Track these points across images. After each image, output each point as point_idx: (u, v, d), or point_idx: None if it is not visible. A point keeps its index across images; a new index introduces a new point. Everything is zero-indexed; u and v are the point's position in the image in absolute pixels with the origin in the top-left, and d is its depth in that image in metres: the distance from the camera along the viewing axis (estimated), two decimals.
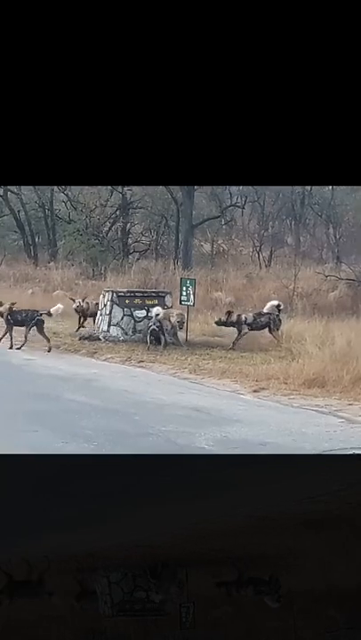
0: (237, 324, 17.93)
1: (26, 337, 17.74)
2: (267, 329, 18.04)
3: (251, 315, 18.27)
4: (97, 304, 19.93)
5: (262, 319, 18.04)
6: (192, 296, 18.96)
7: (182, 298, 19.14)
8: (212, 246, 37.44)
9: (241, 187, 40.24)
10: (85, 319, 20.28)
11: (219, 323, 18.21)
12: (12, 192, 36.39)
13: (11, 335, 17.73)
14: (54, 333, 19.56)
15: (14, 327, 17.82)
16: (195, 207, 36.02)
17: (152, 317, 18.01)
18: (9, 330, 17.84)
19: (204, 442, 9.85)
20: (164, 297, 19.47)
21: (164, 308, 18.57)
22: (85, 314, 20.22)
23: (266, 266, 35.58)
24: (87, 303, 20.32)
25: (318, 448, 9.69)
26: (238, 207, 41.93)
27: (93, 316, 20.00)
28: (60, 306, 18.36)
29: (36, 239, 38.30)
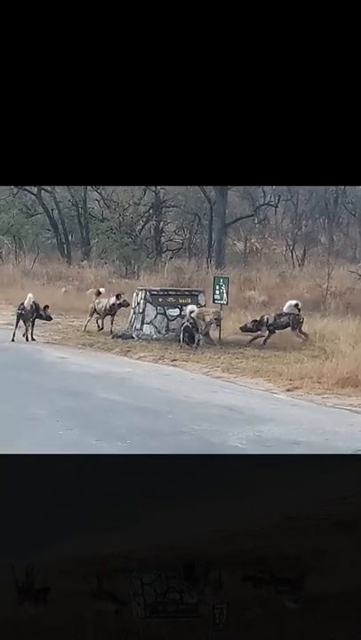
0: (260, 325, 18.00)
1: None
2: (289, 328, 18.05)
3: (272, 315, 18.30)
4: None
5: (282, 319, 18.08)
6: (225, 295, 18.94)
7: (215, 296, 19.13)
8: (246, 245, 37.37)
9: (274, 186, 40.14)
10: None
11: (245, 329, 18.19)
12: (45, 191, 36.53)
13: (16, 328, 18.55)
14: (88, 332, 19.61)
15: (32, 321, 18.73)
16: (228, 206, 35.97)
17: (185, 315, 18.01)
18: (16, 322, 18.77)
19: (238, 441, 9.84)
20: (197, 296, 19.45)
21: (198, 307, 18.60)
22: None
23: (299, 265, 35.46)
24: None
25: (352, 447, 9.65)
26: (272, 206, 41.84)
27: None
28: (30, 296, 18.69)
29: (70, 237, 38.38)
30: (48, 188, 36.15)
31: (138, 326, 18.98)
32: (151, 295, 19.11)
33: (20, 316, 18.43)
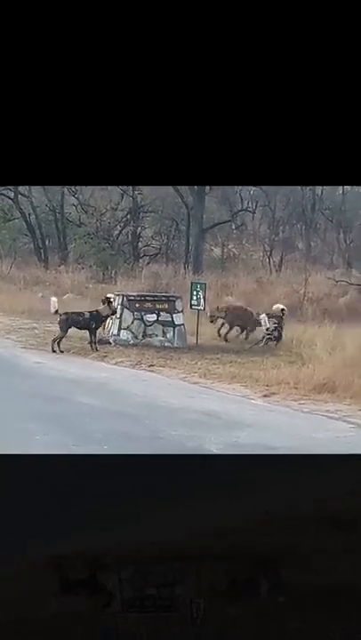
0: None
1: None
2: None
3: None
4: None
5: None
6: (202, 300, 19.01)
7: (193, 302, 19.18)
8: (223, 250, 37.46)
9: (252, 191, 40.33)
10: None
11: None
12: (22, 195, 36.45)
13: None
14: (66, 337, 19.56)
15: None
16: (205, 211, 36.07)
17: (268, 327, 18.06)
18: None
19: (214, 446, 9.84)
20: (174, 301, 19.47)
21: (174, 313, 18.73)
22: None
23: (276, 270, 35.56)
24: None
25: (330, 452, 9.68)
26: (249, 211, 41.96)
27: None
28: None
29: (47, 242, 38.28)
30: (25, 192, 36.07)
31: (115, 331, 18.96)
32: (128, 300, 19.11)
33: None
